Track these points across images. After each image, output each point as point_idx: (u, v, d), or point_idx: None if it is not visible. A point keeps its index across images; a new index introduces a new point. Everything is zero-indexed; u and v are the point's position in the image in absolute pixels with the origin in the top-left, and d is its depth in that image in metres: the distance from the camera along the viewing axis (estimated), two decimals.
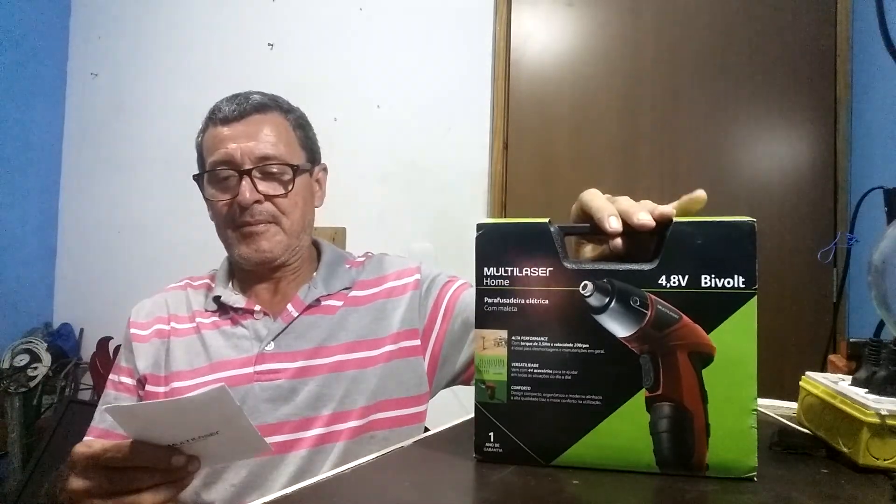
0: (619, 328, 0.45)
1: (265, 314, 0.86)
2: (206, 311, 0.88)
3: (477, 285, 0.48)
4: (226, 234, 0.87)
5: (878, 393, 0.48)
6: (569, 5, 1.97)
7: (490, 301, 0.48)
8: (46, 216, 2.51)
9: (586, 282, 0.46)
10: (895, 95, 1.51)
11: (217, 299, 0.88)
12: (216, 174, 0.85)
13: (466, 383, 0.87)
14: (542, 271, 0.47)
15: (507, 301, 0.48)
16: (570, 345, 0.46)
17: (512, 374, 0.47)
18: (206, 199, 0.88)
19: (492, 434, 0.48)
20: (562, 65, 1.97)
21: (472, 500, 0.42)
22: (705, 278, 0.45)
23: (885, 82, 1.55)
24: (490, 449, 0.48)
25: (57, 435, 1.93)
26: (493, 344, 0.48)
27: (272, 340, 0.84)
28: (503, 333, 0.48)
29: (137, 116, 2.43)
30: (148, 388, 0.86)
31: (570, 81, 1.96)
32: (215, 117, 0.86)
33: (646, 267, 0.46)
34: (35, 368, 2.22)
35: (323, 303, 0.87)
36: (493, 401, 0.48)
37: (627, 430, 0.45)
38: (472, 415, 0.49)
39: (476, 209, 2.00)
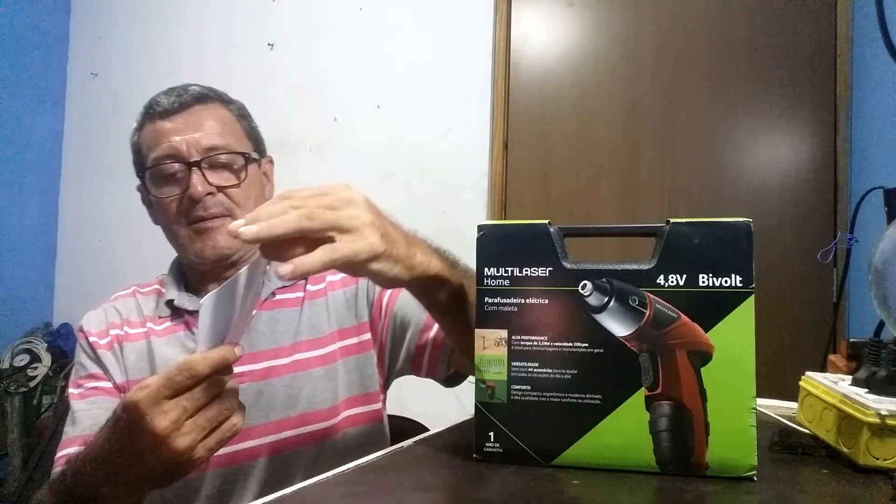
0: (619, 327, 0.46)
1: None
2: (160, 317, 0.83)
3: (477, 285, 0.49)
4: (176, 233, 0.80)
5: (878, 393, 0.48)
6: (569, 5, 1.97)
7: (490, 301, 0.48)
8: (46, 216, 2.51)
9: (585, 281, 0.46)
10: (895, 95, 1.51)
11: (170, 304, 0.83)
12: (161, 170, 0.78)
13: (415, 373, 0.83)
14: (541, 271, 0.47)
15: (507, 301, 0.48)
16: (570, 344, 0.47)
17: (512, 374, 0.48)
18: (151, 200, 0.81)
19: (492, 434, 0.48)
20: (562, 65, 1.97)
21: (472, 500, 0.42)
22: (703, 278, 0.45)
23: (885, 82, 1.55)
24: (490, 449, 0.48)
25: (57, 435, 1.93)
26: (493, 343, 0.48)
27: None
28: (503, 333, 0.48)
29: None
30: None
31: (571, 81, 1.96)
32: (153, 111, 0.81)
33: (644, 266, 0.46)
34: (35, 368, 2.22)
35: (279, 296, 0.83)
36: (493, 400, 0.48)
37: (627, 429, 0.45)
38: (472, 415, 0.49)
39: (476, 209, 2.00)
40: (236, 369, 0.70)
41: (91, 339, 0.83)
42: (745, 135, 1.82)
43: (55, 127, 2.54)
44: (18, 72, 2.39)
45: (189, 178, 0.77)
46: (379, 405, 0.83)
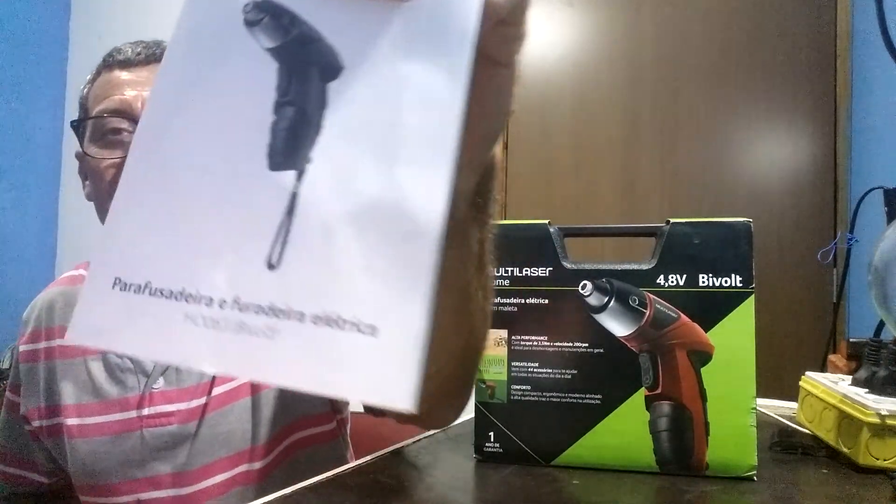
0: (619, 327, 0.46)
1: None
2: None
3: None
4: (106, 210, 0.65)
5: (878, 393, 0.48)
6: (569, 5, 1.97)
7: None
8: (46, 216, 2.51)
9: (585, 281, 0.46)
10: (895, 95, 1.51)
11: None
12: (104, 124, 0.63)
13: None
14: (541, 271, 0.47)
15: (508, 301, 0.48)
16: (570, 344, 0.47)
17: (512, 374, 0.48)
18: (85, 158, 0.66)
19: (492, 434, 0.48)
20: (562, 65, 1.97)
21: (472, 500, 0.42)
22: (703, 277, 0.45)
23: (885, 82, 1.55)
24: (490, 449, 0.48)
25: None
26: (493, 343, 0.48)
27: (161, 375, 0.64)
28: (503, 333, 0.48)
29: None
30: (45, 423, 0.68)
31: (570, 82, 1.96)
32: (112, 60, 0.67)
33: (644, 266, 0.46)
34: None
35: None
36: (493, 400, 0.48)
37: (627, 429, 0.45)
38: (472, 415, 0.49)
39: None
40: (163, 408, 0.61)
41: (21, 347, 0.70)
42: (745, 135, 1.82)
43: (55, 127, 2.54)
44: (18, 72, 2.40)
45: None
46: (330, 425, 0.70)
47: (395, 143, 0.24)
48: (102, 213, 0.66)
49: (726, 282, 0.44)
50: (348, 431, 0.75)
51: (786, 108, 1.80)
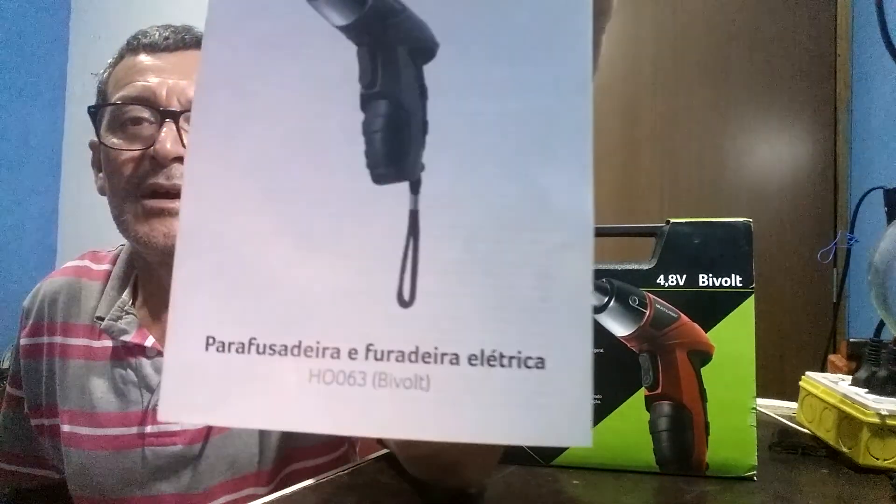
0: (619, 327, 0.46)
1: (159, 353, 0.60)
2: (96, 322, 0.62)
3: None
4: (122, 205, 0.58)
5: (878, 393, 0.48)
6: None
7: None
8: (46, 216, 2.51)
9: None
10: (895, 95, 1.51)
11: (99, 322, 0.61)
12: (123, 112, 0.57)
13: None
14: None
15: None
16: None
17: None
18: (100, 148, 0.60)
19: None
20: None
21: (472, 500, 0.42)
22: (703, 277, 0.45)
23: (885, 82, 1.55)
24: None
25: None
26: None
27: None
28: None
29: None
30: (45, 421, 0.65)
31: None
32: (137, 44, 0.61)
33: (644, 266, 0.46)
34: None
35: None
36: None
37: (627, 430, 0.45)
38: None
39: None
40: (167, 428, 0.57)
41: (22, 341, 0.66)
42: (745, 135, 1.82)
43: (55, 127, 2.54)
44: (18, 72, 2.40)
45: (158, 132, 0.56)
46: (337, 453, 0.65)
47: (522, 135, 0.20)
48: (117, 209, 0.59)
49: (726, 282, 0.44)
50: (357, 449, 0.71)
51: (786, 108, 1.80)
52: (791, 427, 0.58)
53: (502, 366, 0.19)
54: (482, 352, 0.19)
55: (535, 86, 0.20)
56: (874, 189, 0.79)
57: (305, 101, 0.21)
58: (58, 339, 0.64)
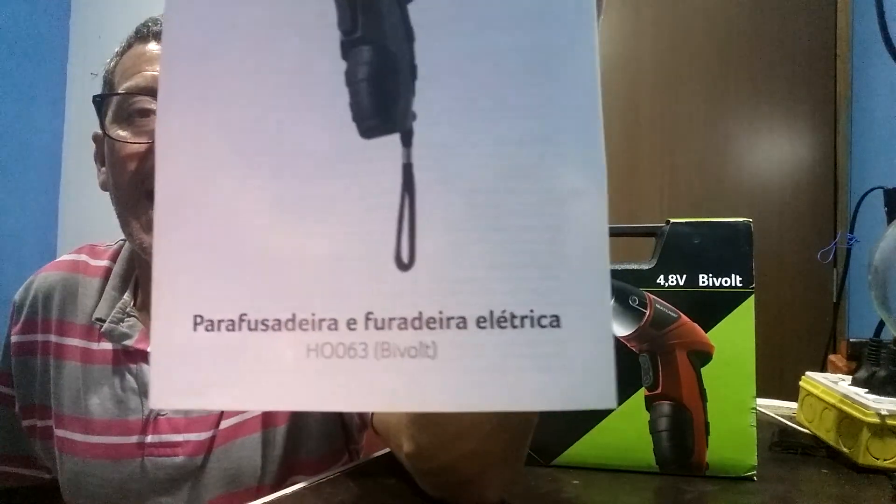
0: (619, 327, 0.46)
1: None
2: (94, 323, 0.59)
3: None
4: (126, 214, 0.56)
5: (878, 393, 0.48)
6: None
7: None
8: (46, 216, 2.51)
9: None
10: (895, 95, 1.51)
11: (99, 324, 0.58)
12: (130, 102, 0.54)
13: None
14: None
15: None
16: None
17: None
18: (104, 141, 0.57)
19: None
20: None
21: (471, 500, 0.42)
22: (703, 277, 0.45)
23: (885, 82, 1.55)
24: None
25: None
26: None
27: None
28: None
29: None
30: (38, 423, 0.62)
31: None
32: (147, 31, 0.58)
33: (644, 266, 0.46)
34: None
35: None
36: None
37: (627, 430, 0.45)
38: None
39: None
40: (169, 438, 0.55)
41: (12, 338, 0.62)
42: (745, 135, 1.82)
43: (55, 127, 2.54)
44: (18, 72, 2.39)
45: None
46: (344, 458, 0.62)
47: (522, 71, 0.18)
48: (121, 206, 0.56)
49: (726, 282, 0.44)
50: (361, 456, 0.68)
51: (786, 108, 1.79)
52: (791, 427, 0.58)
53: (514, 327, 0.17)
54: (491, 313, 0.17)
55: (533, 14, 0.18)
56: (874, 189, 0.79)
57: (279, 53, 0.19)
58: (52, 338, 0.61)
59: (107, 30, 2.52)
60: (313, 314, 0.18)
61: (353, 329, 0.18)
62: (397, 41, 0.18)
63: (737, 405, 0.44)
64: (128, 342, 0.58)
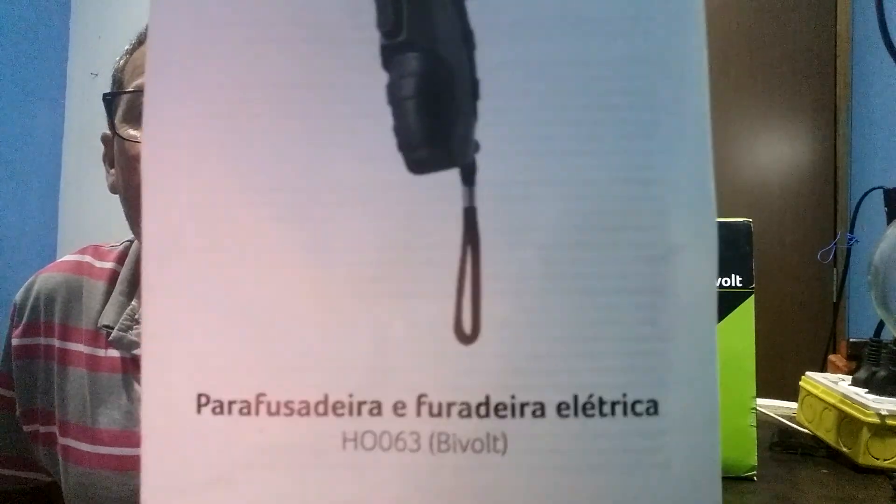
0: None
1: None
2: (100, 329, 0.57)
3: None
4: (136, 206, 0.53)
5: (878, 393, 0.48)
6: None
7: None
8: (46, 216, 2.51)
9: None
10: (895, 95, 1.51)
11: (106, 331, 0.56)
12: (141, 102, 0.43)
13: None
14: None
15: None
16: None
17: None
18: (114, 141, 0.55)
19: None
20: None
21: None
22: None
23: (885, 82, 1.55)
24: None
25: None
26: None
27: None
28: None
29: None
30: (40, 428, 0.60)
31: None
32: None
33: None
34: None
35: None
36: None
37: None
38: None
39: None
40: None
41: (14, 341, 0.60)
42: (745, 135, 1.82)
43: (55, 127, 2.54)
44: (18, 72, 2.40)
45: None
46: None
47: (617, 94, 0.14)
48: (132, 208, 0.54)
49: (726, 282, 0.44)
50: None
51: (786, 108, 1.79)
52: (791, 427, 0.58)
53: (602, 415, 0.14)
54: (575, 398, 0.14)
55: (630, 17, 0.14)
56: (874, 189, 0.79)
57: (298, 60, 0.14)
58: (55, 342, 0.59)
59: (107, 30, 2.52)
60: (350, 395, 0.14)
61: (402, 415, 0.14)
62: (454, 48, 0.14)
63: (737, 405, 0.44)
64: (137, 351, 0.56)
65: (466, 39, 0.14)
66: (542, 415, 0.14)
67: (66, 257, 0.64)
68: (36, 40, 2.46)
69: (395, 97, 0.14)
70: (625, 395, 0.14)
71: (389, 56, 0.14)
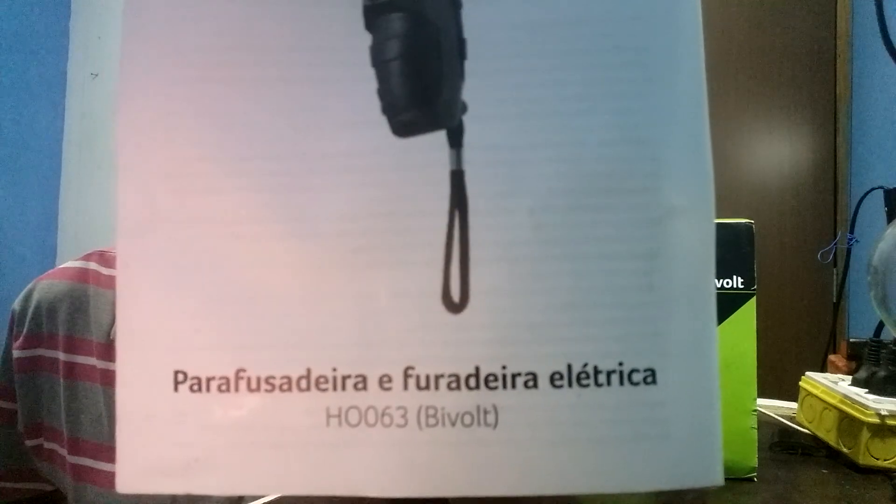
0: None
1: None
2: (113, 342, 0.49)
3: None
4: None
5: (878, 393, 0.48)
6: None
7: None
8: (46, 216, 2.51)
9: None
10: (895, 95, 1.51)
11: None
12: None
13: None
14: None
15: None
16: None
17: None
18: None
19: None
20: None
21: (472, 500, 0.42)
22: None
23: (885, 82, 1.55)
24: None
25: None
26: None
27: None
28: None
29: None
30: (44, 443, 0.58)
31: None
32: None
33: None
34: None
35: None
36: None
37: None
38: None
39: None
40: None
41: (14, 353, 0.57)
42: (745, 135, 1.82)
43: (55, 127, 2.54)
44: (18, 72, 2.39)
45: None
46: None
47: (609, 52, 0.13)
48: None
49: (727, 283, 0.44)
50: None
51: (786, 108, 1.79)
52: (791, 427, 0.58)
53: (598, 385, 0.13)
54: (569, 367, 0.13)
55: None
56: (874, 189, 0.79)
57: (279, 22, 0.13)
58: (60, 355, 0.57)
59: (107, 30, 2.51)
60: (334, 369, 0.13)
61: (388, 389, 0.13)
62: (439, 7, 0.13)
63: (737, 408, 0.44)
64: None
65: (449, 1, 0.13)
66: (535, 386, 0.13)
67: (69, 264, 0.61)
68: (36, 40, 2.46)
69: (378, 59, 0.13)
70: (621, 364, 0.13)
71: (373, 17, 0.13)
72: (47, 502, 0.65)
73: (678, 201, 0.13)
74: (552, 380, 0.13)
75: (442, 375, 0.13)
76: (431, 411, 0.13)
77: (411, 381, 0.13)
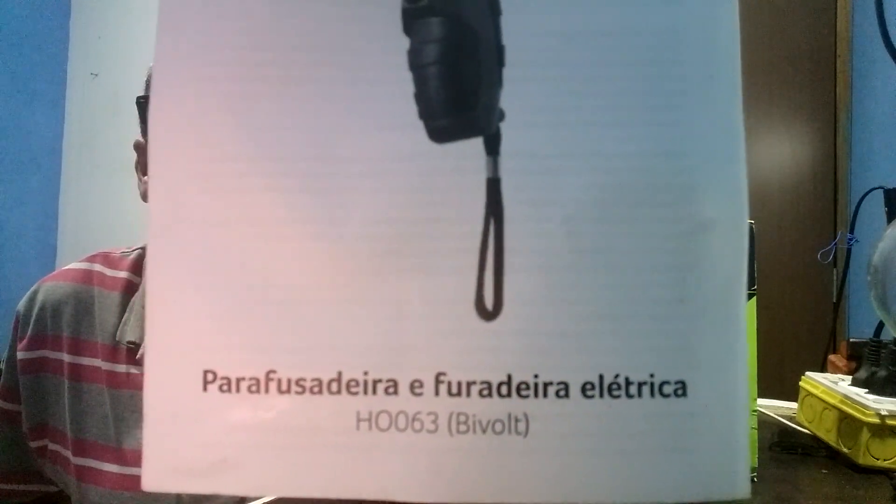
0: None
1: None
2: (119, 344, 0.54)
3: None
4: None
5: (878, 393, 0.48)
6: None
7: None
8: (46, 216, 2.51)
9: None
10: (895, 96, 1.51)
11: (132, 347, 0.53)
12: None
13: None
14: None
15: None
16: None
17: None
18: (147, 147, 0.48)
19: None
20: None
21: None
22: None
23: (885, 82, 1.55)
24: None
25: None
26: None
27: None
28: None
29: (137, 116, 2.43)
30: (48, 444, 0.57)
31: None
32: None
33: None
34: None
35: None
36: None
37: None
38: None
39: None
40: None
41: (19, 355, 0.57)
42: (745, 135, 1.82)
43: (55, 127, 2.54)
44: (18, 72, 2.39)
45: None
46: None
47: (646, 64, 0.14)
48: None
49: None
50: None
51: (786, 109, 1.80)
52: (791, 427, 0.58)
53: (629, 396, 0.13)
54: (601, 378, 0.13)
55: None
56: (874, 189, 0.79)
57: (314, 24, 0.13)
58: (65, 357, 0.56)
59: (107, 30, 2.51)
60: (365, 373, 0.13)
61: (419, 394, 0.13)
62: (478, 13, 0.13)
63: None
64: None
65: (492, 5, 0.13)
66: (566, 395, 0.13)
67: (74, 265, 0.61)
68: (36, 40, 2.46)
69: (416, 63, 0.13)
70: (652, 375, 0.13)
71: (411, 20, 0.13)
72: (51, 503, 0.65)
73: (712, 214, 0.14)
74: (584, 390, 0.13)
75: (474, 382, 0.13)
76: (462, 418, 0.13)
77: (443, 388, 0.13)
